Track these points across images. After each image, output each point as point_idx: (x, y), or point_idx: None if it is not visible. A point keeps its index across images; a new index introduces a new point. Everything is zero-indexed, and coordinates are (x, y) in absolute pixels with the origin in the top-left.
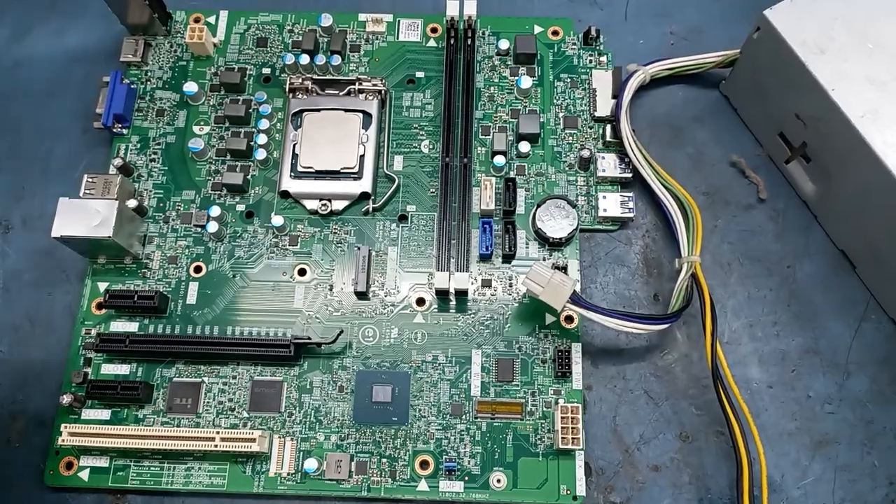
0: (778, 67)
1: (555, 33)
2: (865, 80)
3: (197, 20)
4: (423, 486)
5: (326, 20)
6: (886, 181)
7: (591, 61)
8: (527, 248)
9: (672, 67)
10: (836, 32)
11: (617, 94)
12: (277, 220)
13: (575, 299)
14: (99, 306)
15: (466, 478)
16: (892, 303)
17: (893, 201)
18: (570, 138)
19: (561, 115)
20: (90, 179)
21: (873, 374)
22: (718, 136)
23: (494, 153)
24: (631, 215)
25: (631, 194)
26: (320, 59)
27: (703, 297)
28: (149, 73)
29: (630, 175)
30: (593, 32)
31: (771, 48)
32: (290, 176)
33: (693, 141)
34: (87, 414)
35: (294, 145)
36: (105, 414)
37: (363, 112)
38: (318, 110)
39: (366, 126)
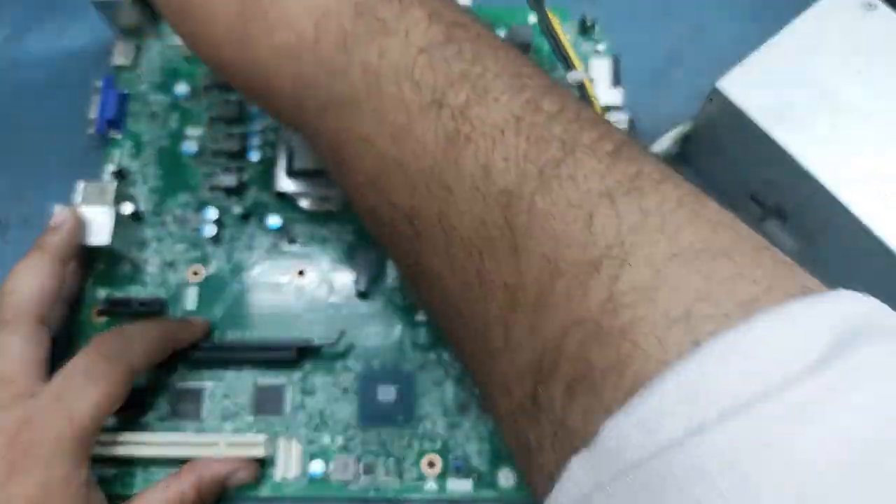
0: (739, 137)
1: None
2: (833, 141)
3: None
4: (431, 485)
5: None
6: (876, 245)
7: (587, 50)
8: None
9: None
10: (794, 96)
11: (616, 83)
12: (274, 220)
13: None
14: (99, 313)
15: (474, 476)
16: None
17: (886, 265)
18: None
19: None
20: (85, 187)
21: None
22: None
23: None
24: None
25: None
26: None
27: None
28: (141, 77)
29: None
30: (588, 21)
31: (729, 119)
32: (286, 176)
33: None
34: None
35: (289, 145)
36: (110, 421)
37: None
38: None
39: None
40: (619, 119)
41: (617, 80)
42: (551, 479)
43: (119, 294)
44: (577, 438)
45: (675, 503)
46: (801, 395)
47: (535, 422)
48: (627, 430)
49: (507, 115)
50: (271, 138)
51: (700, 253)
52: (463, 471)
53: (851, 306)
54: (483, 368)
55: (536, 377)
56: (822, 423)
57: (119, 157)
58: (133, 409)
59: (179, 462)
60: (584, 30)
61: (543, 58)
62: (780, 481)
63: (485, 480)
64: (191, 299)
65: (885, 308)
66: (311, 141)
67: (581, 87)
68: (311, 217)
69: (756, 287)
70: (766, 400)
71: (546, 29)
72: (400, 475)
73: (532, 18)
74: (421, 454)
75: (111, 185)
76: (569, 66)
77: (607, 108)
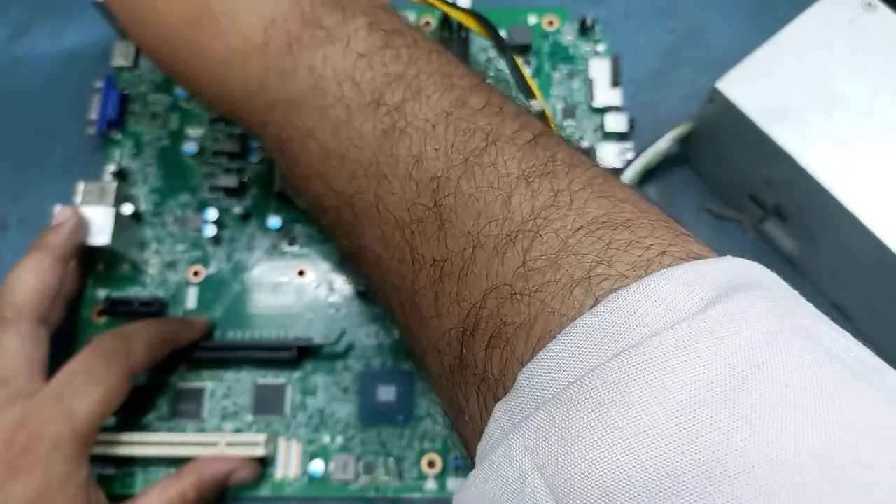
0: (738, 137)
1: (550, 23)
2: (832, 141)
3: None
4: (430, 484)
5: None
6: (874, 245)
7: (587, 51)
8: None
9: (640, 170)
10: (793, 95)
11: (616, 83)
12: (274, 221)
13: None
14: (99, 313)
15: None
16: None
17: (884, 265)
18: (569, 129)
19: (559, 106)
20: (86, 187)
21: None
22: (680, 195)
23: None
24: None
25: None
26: None
27: None
28: (141, 77)
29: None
30: (588, 22)
31: (728, 119)
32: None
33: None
34: None
35: None
36: (110, 420)
37: None
38: None
39: None
40: (619, 119)
41: (617, 80)
42: (479, 426)
43: (119, 294)
44: (498, 388)
45: (577, 430)
46: (683, 333)
47: (462, 379)
48: (538, 376)
49: (437, 111)
50: None
51: (603, 225)
52: (463, 470)
53: (734, 269)
54: (417, 335)
55: (461, 338)
56: (698, 355)
57: (119, 157)
58: (133, 409)
59: (180, 462)
60: (584, 30)
61: (543, 58)
62: (660, 401)
63: None
64: (191, 299)
65: (766, 270)
66: (259, 138)
67: (542, 116)
68: (311, 217)
69: (650, 252)
70: (653, 338)
71: (511, 66)
72: (400, 475)
73: (532, 19)
74: (421, 454)
75: (111, 185)
76: (530, 96)
77: (606, 109)
